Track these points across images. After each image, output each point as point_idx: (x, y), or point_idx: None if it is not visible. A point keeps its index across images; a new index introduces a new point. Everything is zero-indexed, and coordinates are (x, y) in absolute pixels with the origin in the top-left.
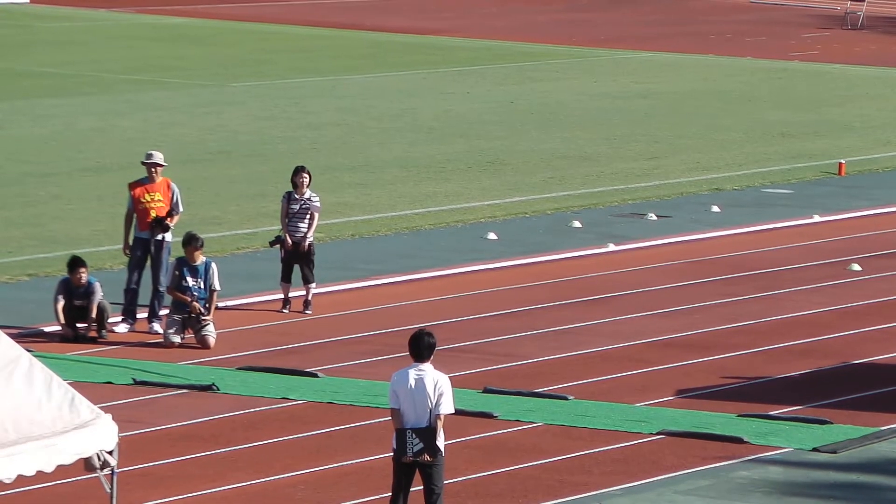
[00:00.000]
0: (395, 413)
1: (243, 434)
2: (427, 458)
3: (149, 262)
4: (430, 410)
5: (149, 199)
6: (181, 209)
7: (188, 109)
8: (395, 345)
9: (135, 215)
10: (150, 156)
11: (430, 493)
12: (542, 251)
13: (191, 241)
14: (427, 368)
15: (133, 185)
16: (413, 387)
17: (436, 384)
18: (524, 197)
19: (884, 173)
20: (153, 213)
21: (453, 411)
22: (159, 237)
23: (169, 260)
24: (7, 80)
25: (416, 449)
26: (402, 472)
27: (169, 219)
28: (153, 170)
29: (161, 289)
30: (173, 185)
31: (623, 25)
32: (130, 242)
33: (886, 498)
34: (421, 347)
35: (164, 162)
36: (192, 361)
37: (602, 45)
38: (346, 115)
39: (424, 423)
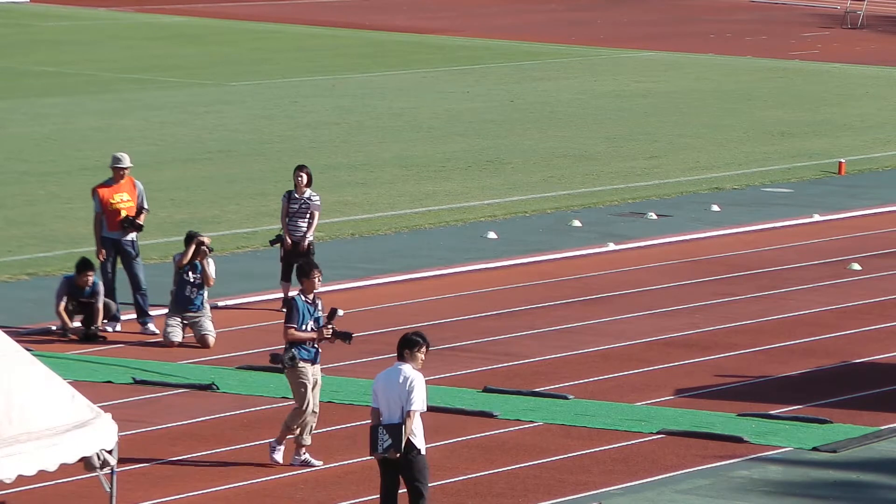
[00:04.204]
0: (374, 412)
1: (243, 433)
2: (394, 454)
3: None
4: (402, 407)
5: (118, 200)
6: (146, 206)
7: (188, 109)
8: (395, 344)
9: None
10: (118, 159)
11: (414, 492)
12: (542, 250)
13: (192, 240)
14: (404, 367)
15: (99, 188)
16: (386, 384)
17: (407, 381)
18: (524, 196)
19: (884, 173)
20: (124, 213)
21: (425, 409)
22: (130, 237)
23: (140, 260)
24: (7, 80)
25: (385, 445)
26: (385, 471)
27: (139, 217)
28: (120, 172)
29: (143, 287)
30: (138, 183)
31: (623, 25)
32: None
33: (886, 498)
34: (400, 345)
35: (131, 163)
36: (192, 360)
37: (602, 45)
38: (346, 114)
39: (396, 420)
